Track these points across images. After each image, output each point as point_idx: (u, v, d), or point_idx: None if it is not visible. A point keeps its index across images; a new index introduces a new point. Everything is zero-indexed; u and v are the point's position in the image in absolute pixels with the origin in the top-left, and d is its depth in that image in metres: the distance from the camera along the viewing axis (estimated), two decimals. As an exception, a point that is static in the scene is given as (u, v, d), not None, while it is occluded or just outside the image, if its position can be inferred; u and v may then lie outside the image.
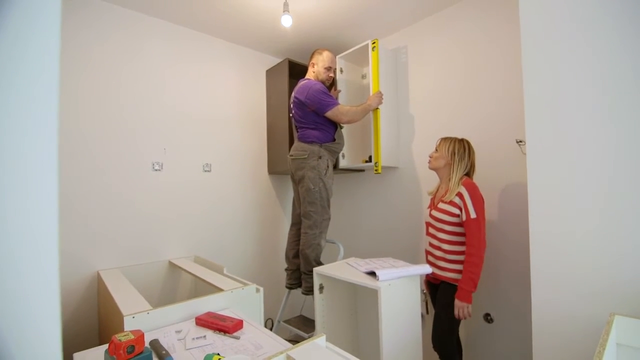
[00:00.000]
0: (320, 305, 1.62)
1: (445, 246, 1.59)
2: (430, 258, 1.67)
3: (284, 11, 1.87)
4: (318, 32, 2.33)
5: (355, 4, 1.99)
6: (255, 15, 2.10)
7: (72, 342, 1.69)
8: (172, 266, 2.09)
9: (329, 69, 2.05)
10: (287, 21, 1.89)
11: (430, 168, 1.72)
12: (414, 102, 2.24)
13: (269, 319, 2.50)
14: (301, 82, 2.04)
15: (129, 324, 1.13)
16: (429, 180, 2.03)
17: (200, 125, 2.30)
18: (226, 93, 2.46)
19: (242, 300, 1.45)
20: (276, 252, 2.69)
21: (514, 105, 1.70)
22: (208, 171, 2.33)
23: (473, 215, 1.49)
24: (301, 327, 2.10)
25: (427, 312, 1.80)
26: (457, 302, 1.49)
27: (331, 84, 2.21)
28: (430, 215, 1.66)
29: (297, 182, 2.05)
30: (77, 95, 1.81)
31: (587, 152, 1.01)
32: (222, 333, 1.16)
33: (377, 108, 2.09)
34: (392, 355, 1.32)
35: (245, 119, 2.56)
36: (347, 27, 2.27)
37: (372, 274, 1.40)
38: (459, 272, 1.54)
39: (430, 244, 1.68)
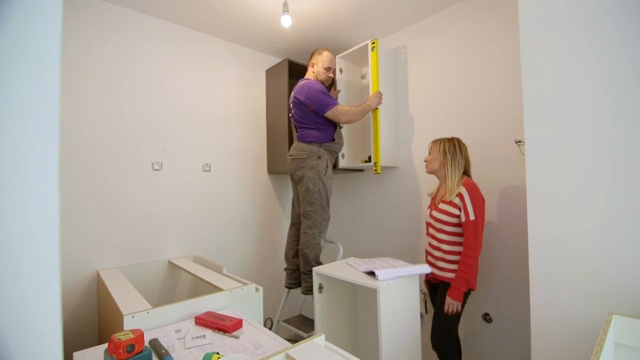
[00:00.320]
0: (319, 305, 1.62)
1: (445, 246, 1.59)
2: (430, 258, 1.68)
3: (283, 11, 1.87)
4: (317, 32, 2.33)
5: (355, 4, 1.99)
6: (255, 15, 2.10)
7: (72, 342, 1.69)
8: (172, 266, 2.09)
9: (328, 69, 2.05)
10: (286, 21, 1.89)
11: (428, 172, 1.73)
12: (414, 102, 2.24)
13: (269, 318, 2.50)
14: (301, 82, 2.04)
15: (129, 324, 1.13)
16: (429, 180, 2.03)
17: (200, 125, 2.30)
18: (226, 93, 2.46)
19: (242, 299, 1.45)
20: (275, 251, 2.70)
21: (513, 106, 1.70)
22: (208, 171, 2.33)
23: (472, 217, 1.50)
24: (300, 327, 2.10)
25: (427, 312, 1.81)
26: (448, 298, 1.52)
27: (331, 84, 2.22)
28: (431, 216, 1.66)
29: (296, 182, 2.05)
30: (77, 95, 1.81)
31: (586, 152, 1.01)
32: (222, 332, 1.17)
33: (377, 108, 2.09)
34: (391, 355, 1.32)
35: (244, 119, 2.56)
36: (346, 27, 2.27)
37: (372, 273, 1.41)
38: (458, 272, 1.54)
39: (430, 244, 1.68)
